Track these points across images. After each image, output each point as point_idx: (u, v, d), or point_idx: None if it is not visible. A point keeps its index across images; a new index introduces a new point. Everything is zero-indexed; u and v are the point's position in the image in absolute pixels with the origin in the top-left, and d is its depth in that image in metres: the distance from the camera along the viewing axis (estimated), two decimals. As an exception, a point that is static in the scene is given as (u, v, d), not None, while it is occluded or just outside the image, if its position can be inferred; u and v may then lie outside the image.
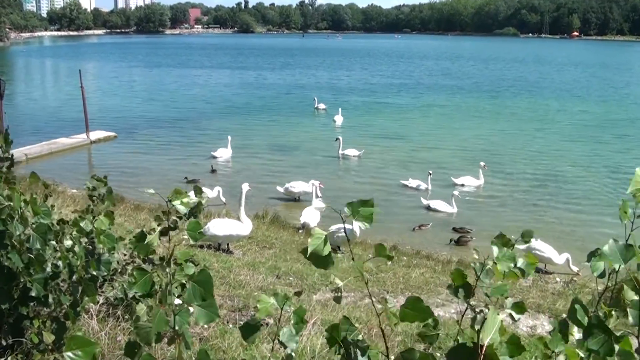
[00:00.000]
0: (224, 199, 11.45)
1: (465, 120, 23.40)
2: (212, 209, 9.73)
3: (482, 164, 13.82)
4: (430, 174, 12.93)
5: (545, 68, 52.68)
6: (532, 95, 31.55)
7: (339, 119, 23.11)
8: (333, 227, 8.14)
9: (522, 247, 8.98)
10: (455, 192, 11.65)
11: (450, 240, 9.76)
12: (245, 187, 7.44)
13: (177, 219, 2.52)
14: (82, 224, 2.52)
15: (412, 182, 13.11)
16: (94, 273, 2.34)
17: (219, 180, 13.83)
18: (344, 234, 7.95)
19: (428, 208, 11.65)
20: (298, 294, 1.49)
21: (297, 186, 12.24)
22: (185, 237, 2.35)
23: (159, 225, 2.21)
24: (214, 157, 16.27)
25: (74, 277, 2.28)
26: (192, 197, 2.63)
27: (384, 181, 14.14)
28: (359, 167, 15.75)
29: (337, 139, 17.04)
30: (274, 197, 12.57)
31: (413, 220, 10.91)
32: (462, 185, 13.64)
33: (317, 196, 10.51)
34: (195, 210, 2.56)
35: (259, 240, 7.70)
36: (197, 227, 2.10)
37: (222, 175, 14.65)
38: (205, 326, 2.96)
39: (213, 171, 14.76)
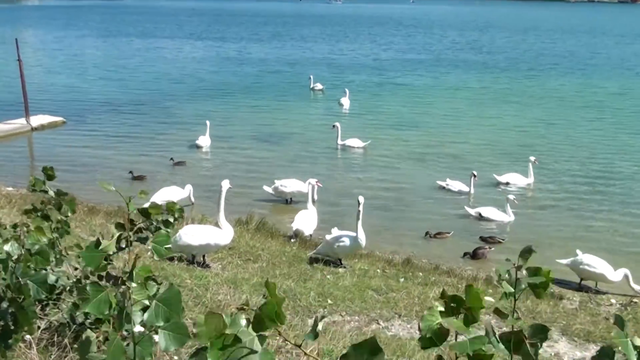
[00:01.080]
0: (193, 199, 11.48)
1: (498, 106, 23.47)
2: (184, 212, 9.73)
3: (533, 158, 13.80)
4: (474, 176, 12.68)
5: (601, 40, 52.09)
6: (583, 75, 31.35)
7: (346, 102, 23.28)
8: (333, 234, 8.16)
9: (565, 261, 9.04)
10: (511, 197, 11.47)
11: (465, 254, 9.67)
12: (226, 185, 7.42)
13: (145, 229, 2.51)
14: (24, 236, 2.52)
15: (453, 185, 12.93)
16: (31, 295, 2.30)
17: (176, 174, 13.97)
18: (346, 243, 7.96)
19: (479, 217, 11.51)
20: (242, 307, 1.28)
21: (290, 185, 12.25)
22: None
23: (120, 234, 2.20)
24: (198, 147, 16.55)
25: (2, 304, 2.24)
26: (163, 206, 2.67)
27: (396, 179, 14.21)
28: (365, 162, 15.84)
29: (334, 125, 17.16)
30: (260, 198, 12.62)
31: (433, 228, 10.95)
32: (507, 184, 13.65)
33: (313, 201, 10.48)
34: (169, 222, 2.57)
35: (242, 252, 7.71)
36: (166, 241, 2.09)
37: (195, 170, 14.70)
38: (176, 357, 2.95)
39: (177, 164, 14.77)
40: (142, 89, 25.96)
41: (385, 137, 18.27)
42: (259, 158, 15.94)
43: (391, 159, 15.89)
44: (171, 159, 14.10)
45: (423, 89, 27.42)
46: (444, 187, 13.11)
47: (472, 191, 12.86)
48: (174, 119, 20.46)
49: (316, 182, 10.62)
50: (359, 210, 7.78)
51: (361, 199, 8.00)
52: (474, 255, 9.64)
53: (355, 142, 16.95)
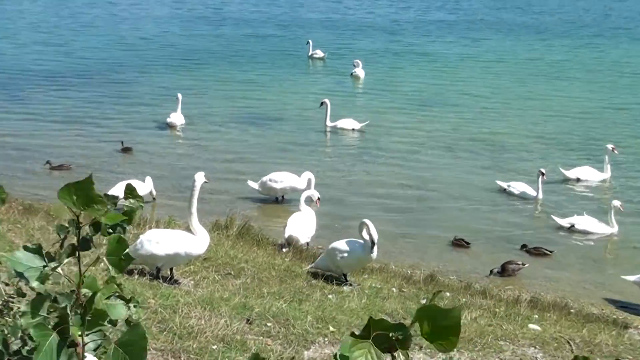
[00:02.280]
0: (154, 193, 11.60)
1: (550, 82, 23.49)
2: (147, 213, 9.75)
3: (611, 146, 13.74)
4: (542, 174, 12.51)
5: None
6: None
7: (360, 73, 23.47)
8: (336, 244, 8.17)
9: (634, 278, 9.06)
10: (616, 203, 11.27)
11: (491, 272, 9.66)
12: (200, 179, 7.39)
13: (93, 230, 2.50)
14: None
15: (516, 187, 12.87)
16: None
17: (131, 164, 14.05)
18: (352, 254, 7.97)
19: (571, 229, 11.37)
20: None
21: (281, 179, 12.28)
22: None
23: (63, 239, 2.18)
24: (171, 127, 16.84)
25: None
26: (117, 202, 2.63)
27: (417, 173, 14.27)
28: (373, 150, 15.85)
29: (322, 102, 17.37)
30: (243, 196, 12.66)
31: (466, 235, 10.98)
32: (577, 180, 13.69)
33: (312, 200, 10.43)
34: (123, 222, 2.54)
35: (220, 264, 7.72)
36: (122, 248, 2.08)
37: (161, 158, 14.74)
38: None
39: (125, 149, 14.84)
40: (90, 57, 25.96)
41: (403, 120, 18.33)
42: (243, 145, 15.98)
43: (410, 148, 15.95)
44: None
45: (453, 59, 27.44)
46: (504, 190, 12.97)
47: (541, 195, 12.65)
48: (132, 95, 20.49)
49: (317, 198, 10.43)
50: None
51: None
52: (503, 270, 9.69)
53: (348, 124, 17.15)
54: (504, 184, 13.05)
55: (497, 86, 22.71)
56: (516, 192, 12.87)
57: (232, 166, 14.32)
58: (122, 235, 2.30)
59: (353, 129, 17.16)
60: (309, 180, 11.70)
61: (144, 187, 11.24)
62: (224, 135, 16.68)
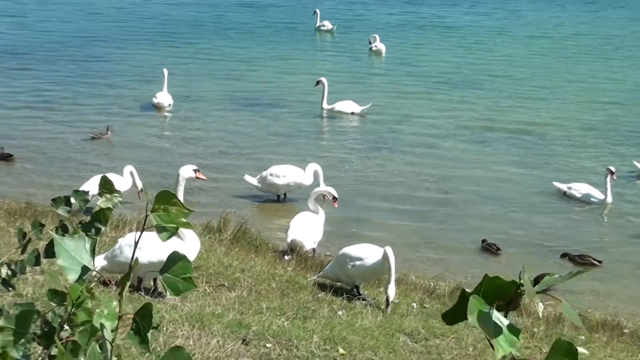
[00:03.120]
0: (140, 185, 11.43)
1: (598, 60, 23.39)
2: (125, 212, 9.77)
3: None
4: (611, 173, 12.40)
5: None
6: None
7: (382, 47, 23.64)
8: (348, 250, 8.19)
9: None
10: None
11: (565, 255, 9.72)
12: (186, 172, 7.42)
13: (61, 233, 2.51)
14: None
15: (578, 189, 12.82)
16: None
17: (105, 154, 14.09)
18: (366, 262, 7.99)
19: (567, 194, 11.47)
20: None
21: (284, 174, 12.31)
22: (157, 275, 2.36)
23: (24, 243, 2.20)
24: (158, 108, 17.12)
25: None
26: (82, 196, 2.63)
27: (442, 168, 14.25)
28: (388, 139, 15.84)
29: (318, 81, 17.59)
30: (239, 193, 12.69)
31: (497, 240, 10.98)
32: None
33: (324, 199, 10.39)
34: (95, 220, 2.55)
35: (212, 274, 7.73)
36: (186, 268, 2.09)
37: (143, 147, 14.78)
38: None
39: (95, 137, 14.85)
40: (56, 31, 26.11)
41: (425, 105, 18.35)
42: (239, 132, 16.04)
43: (434, 138, 15.96)
44: (92, 135, 14.47)
45: (485, 34, 27.42)
46: (564, 193, 12.91)
47: (610, 198, 12.52)
48: (108, 73, 20.58)
49: (332, 198, 10.30)
50: None
51: None
52: (577, 258, 9.74)
53: (347, 106, 17.33)
54: (562, 186, 12.91)
55: (538, 66, 22.67)
56: (578, 195, 12.74)
57: (227, 157, 14.37)
58: (180, 253, 2.29)
59: (352, 113, 17.37)
60: (316, 174, 11.73)
61: (123, 181, 11.24)
62: (217, 121, 16.75)
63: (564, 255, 10.71)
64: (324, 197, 10.76)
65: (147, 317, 1.87)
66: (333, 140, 16.18)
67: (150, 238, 7.21)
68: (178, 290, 2.06)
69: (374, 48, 23.75)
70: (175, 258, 2.10)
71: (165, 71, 17.25)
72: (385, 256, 7.74)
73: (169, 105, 17.29)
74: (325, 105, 17.48)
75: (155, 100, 17.13)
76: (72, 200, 2.80)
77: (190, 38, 25.50)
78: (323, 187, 10.83)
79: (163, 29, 26.65)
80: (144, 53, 23.04)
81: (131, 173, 11.43)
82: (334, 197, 10.33)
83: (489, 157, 14.98)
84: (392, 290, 7.59)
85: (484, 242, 10.88)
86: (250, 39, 25.43)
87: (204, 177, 7.75)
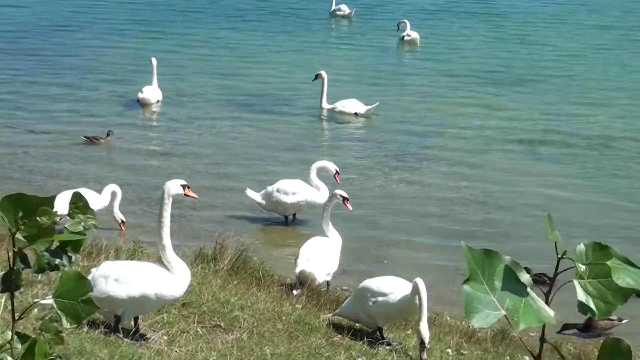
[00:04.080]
0: (120, 217, 11.54)
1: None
2: (102, 236, 9.79)
3: None
4: None
5: None
6: None
7: (416, 36, 23.88)
8: (369, 284, 8.18)
9: None
10: None
11: (565, 327, 9.59)
12: (174, 188, 7.43)
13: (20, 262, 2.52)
14: None
15: None
16: None
17: (75, 165, 14.02)
18: (391, 298, 7.97)
19: None
20: None
21: (293, 190, 12.31)
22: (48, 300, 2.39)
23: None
24: (144, 105, 17.31)
25: None
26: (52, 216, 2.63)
27: (480, 181, 14.22)
28: (407, 146, 15.93)
29: (317, 75, 17.85)
30: (239, 213, 12.71)
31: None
32: None
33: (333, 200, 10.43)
34: (64, 247, 2.54)
35: (206, 311, 7.72)
36: (82, 289, 2.08)
37: (121, 154, 14.86)
38: None
39: (92, 140, 15.00)
40: (18, 17, 26.40)
41: (461, 104, 18.39)
42: (240, 137, 16.13)
43: (473, 145, 16.00)
44: (84, 137, 14.70)
45: (541, 21, 27.32)
46: None
47: None
48: (82, 65, 20.75)
49: (344, 199, 10.44)
50: None
51: None
52: (587, 327, 9.69)
53: (351, 106, 17.54)
54: None
55: (605, 63, 22.57)
56: None
57: (224, 167, 14.45)
58: (73, 271, 2.31)
59: (356, 114, 17.51)
60: (336, 198, 11.49)
61: (100, 199, 11.29)
62: (212, 123, 16.87)
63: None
64: (335, 191, 10.66)
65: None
66: (343, 148, 16.15)
67: (130, 268, 7.26)
68: (77, 317, 2.03)
69: (406, 37, 23.79)
70: (68, 277, 2.08)
71: (154, 61, 17.39)
72: (415, 290, 7.70)
73: (157, 101, 17.44)
74: (324, 105, 17.69)
75: (140, 96, 17.22)
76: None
77: (181, 26, 25.67)
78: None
79: (148, 15, 26.84)
80: (125, 42, 23.24)
81: (113, 194, 11.40)
82: (345, 198, 10.40)
83: (542, 171, 14.92)
84: (425, 331, 7.54)
85: (528, 272, 10.79)
86: (252, 27, 25.59)
87: (195, 195, 7.77)
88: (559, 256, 2.11)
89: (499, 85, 19.94)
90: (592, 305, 2.06)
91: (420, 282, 7.68)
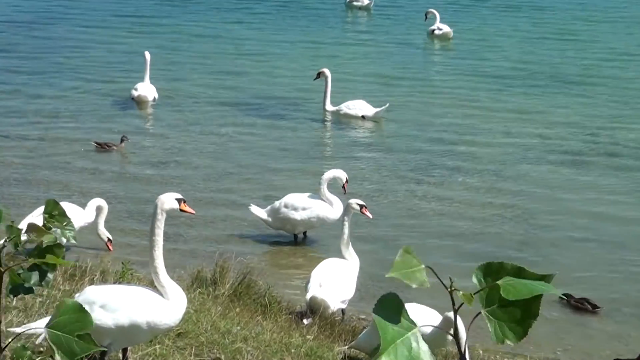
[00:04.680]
0: (106, 235, 11.54)
1: None
2: (86, 256, 9.78)
3: None
4: None
5: None
6: None
7: (448, 30, 24.12)
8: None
9: None
10: None
11: None
12: (168, 203, 7.39)
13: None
14: None
15: None
16: None
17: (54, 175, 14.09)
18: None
19: None
20: None
21: (303, 205, 12.32)
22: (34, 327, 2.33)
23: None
24: (139, 102, 17.63)
25: None
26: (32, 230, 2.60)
27: (515, 199, 14.18)
28: (430, 155, 15.93)
29: (319, 73, 18.02)
30: (242, 231, 12.74)
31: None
32: None
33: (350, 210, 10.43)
34: (37, 266, 2.52)
35: (204, 342, 7.71)
36: (84, 321, 2.05)
37: (108, 162, 14.87)
38: None
39: (103, 147, 15.20)
40: None
41: (493, 107, 18.42)
42: (243, 144, 16.20)
43: (508, 154, 15.99)
44: (95, 143, 14.96)
45: (588, 16, 27.33)
46: None
47: None
48: (66, 63, 20.86)
49: (361, 207, 10.49)
50: None
51: None
52: None
53: (359, 108, 17.66)
54: None
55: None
56: None
57: (225, 178, 14.51)
58: (73, 302, 2.26)
59: (363, 117, 17.60)
60: (352, 207, 11.43)
61: (84, 215, 11.28)
62: (213, 129, 16.99)
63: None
64: (348, 201, 10.64)
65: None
66: (356, 157, 16.14)
67: (118, 293, 7.23)
68: (72, 353, 1.98)
69: (436, 31, 23.85)
70: (67, 307, 2.03)
71: (148, 55, 17.56)
72: (448, 323, 7.63)
73: (153, 99, 17.64)
74: (328, 107, 17.83)
75: (135, 93, 17.46)
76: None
77: (178, 20, 25.81)
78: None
79: (139, 7, 26.98)
80: (115, 37, 23.37)
81: (98, 209, 11.38)
82: (363, 205, 10.46)
83: (588, 185, 14.90)
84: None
85: (569, 298, 10.76)
86: (259, 21, 25.67)
87: (192, 211, 7.73)
88: (449, 289, 2.26)
89: (539, 87, 20.00)
90: (508, 330, 2.17)
91: (458, 320, 7.52)
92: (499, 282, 2.13)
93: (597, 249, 12.61)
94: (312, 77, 19.48)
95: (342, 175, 11.96)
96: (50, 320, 1.97)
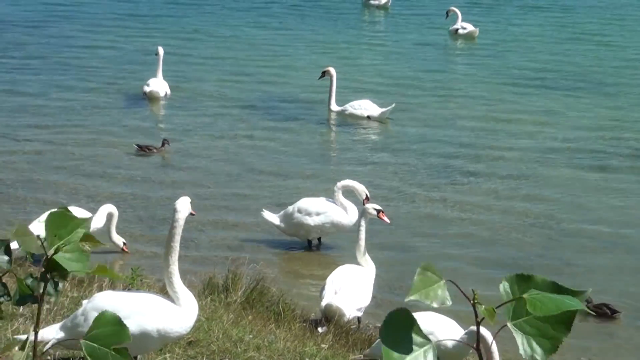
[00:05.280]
0: (121, 240, 11.60)
1: None
2: (94, 262, 9.77)
3: None
4: None
5: None
6: None
7: (473, 29, 24.10)
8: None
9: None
10: None
11: None
12: (184, 208, 7.41)
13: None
14: None
15: None
16: None
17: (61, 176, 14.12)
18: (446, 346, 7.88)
19: None
20: None
21: (317, 210, 12.31)
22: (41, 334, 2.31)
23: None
24: (151, 98, 17.87)
25: None
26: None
27: (539, 204, 14.14)
28: (450, 158, 15.93)
29: (324, 71, 18.12)
30: (255, 237, 12.75)
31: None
32: None
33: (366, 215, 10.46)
34: (49, 273, 2.50)
35: (215, 351, 7.72)
36: (121, 335, 2.03)
37: (114, 164, 14.89)
38: None
39: (143, 149, 15.25)
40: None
41: (517, 110, 18.40)
42: (256, 147, 16.26)
43: (526, 159, 15.97)
44: (137, 146, 15.09)
45: (609, 15, 27.27)
46: None
47: None
48: (77, 59, 20.94)
49: (378, 212, 10.53)
50: None
51: None
52: None
53: (365, 108, 17.70)
54: None
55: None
56: None
57: (237, 182, 14.55)
58: (111, 313, 2.24)
59: (368, 117, 17.62)
60: (368, 212, 11.37)
61: (94, 220, 11.26)
62: (224, 132, 17.01)
63: None
64: (364, 206, 10.67)
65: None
66: (367, 160, 16.14)
67: (127, 300, 7.23)
68: None
69: (460, 30, 23.83)
70: (105, 319, 2.03)
71: (161, 50, 17.77)
72: (472, 337, 7.57)
73: (165, 95, 17.80)
74: (333, 107, 17.85)
75: (147, 89, 17.65)
76: (15, 244, 2.74)
77: (189, 18, 25.87)
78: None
79: (151, 8, 27.08)
80: (125, 36, 23.47)
81: (109, 215, 11.44)
82: (380, 210, 10.54)
83: (612, 189, 14.85)
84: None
85: (588, 302, 10.66)
86: (274, 20, 25.70)
87: (193, 212, 7.79)
88: (472, 301, 2.21)
89: (563, 90, 19.97)
90: (535, 345, 2.13)
91: (487, 333, 7.48)
92: (524, 295, 2.06)
93: (622, 256, 12.58)
94: (324, 78, 19.58)
95: (360, 189, 11.82)
96: (88, 331, 1.97)
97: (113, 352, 1.99)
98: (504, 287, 2.21)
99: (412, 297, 2.23)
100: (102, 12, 26.08)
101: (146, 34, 23.72)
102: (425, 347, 2.03)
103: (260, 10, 26.87)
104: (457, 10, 24.16)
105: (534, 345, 2.07)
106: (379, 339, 8.26)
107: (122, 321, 2.01)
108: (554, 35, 24.80)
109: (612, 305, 10.70)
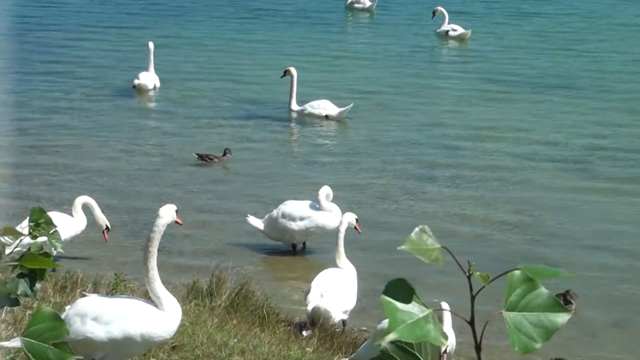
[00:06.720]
0: (106, 222, 11.58)
1: None
2: (77, 267, 9.75)
3: None
4: None
5: None
6: None
7: (464, 31, 24.12)
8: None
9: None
10: None
11: None
12: (167, 214, 7.44)
13: None
14: None
15: None
16: None
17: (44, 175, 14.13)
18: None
19: None
20: None
21: (301, 214, 12.31)
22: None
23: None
24: (139, 90, 18.15)
25: None
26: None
27: (525, 207, 14.14)
28: (434, 159, 16.04)
29: (285, 72, 18.28)
30: (239, 241, 12.74)
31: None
32: None
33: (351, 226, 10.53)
34: (25, 272, 2.52)
35: (200, 356, 7.72)
36: (59, 331, 2.06)
37: (100, 162, 14.84)
38: None
39: (203, 158, 15.20)
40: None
41: (504, 111, 18.52)
42: (239, 149, 16.16)
43: (518, 160, 15.97)
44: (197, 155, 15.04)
45: (597, 15, 27.37)
46: None
47: None
48: (66, 56, 20.92)
49: (355, 221, 10.62)
50: None
51: None
52: None
53: (323, 107, 17.83)
54: None
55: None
56: None
57: (221, 186, 14.52)
58: (48, 310, 2.28)
59: (327, 116, 17.75)
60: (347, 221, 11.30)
61: (75, 222, 11.23)
62: (208, 137, 17.00)
63: None
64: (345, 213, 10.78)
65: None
66: (346, 162, 16.10)
67: (111, 305, 7.23)
68: None
69: (451, 32, 23.82)
70: (42, 315, 2.06)
71: (151, 45, 18.04)
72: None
73: (154, 87, 18.12)
74: (294, 106, 17.98)
75: (135, 82, 17.92)
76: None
77: (175, 23, 25.87)
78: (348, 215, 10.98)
79: (142, 6, 27.05)
80: (115, 41, 23.52)
81: (85, 205, 11.35)
82: (356, 220, 10.79)
83: (598, 193, 14.84)
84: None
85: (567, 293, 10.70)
86: (255, 23, 25.69)
87: (180, 222, 7.84)
88: (467, 273, 2.25)
89: (549, 92, 20.07)
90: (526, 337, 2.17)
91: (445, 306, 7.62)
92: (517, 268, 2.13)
93: (607, 257, 12.58)
94: (313, 82, 19.61)
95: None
96: (26, 328, 2.00)
97: (52, 348, 2.02)
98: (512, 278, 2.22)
99: (404, 248, 2.26)
100: (89, 22, 26.03)
101: (138, 41, 23.69)
102: (425, 313, 2.06)
103: (242, 14, 26.81)
104: (443, 10, 24.12)
105: (526, 335, 2.12)
106: (365, 343, 8.34)
107: (60, 316, 2.04)
108: (536, 41, 24.80)
109: (571, 295, 10.67)
